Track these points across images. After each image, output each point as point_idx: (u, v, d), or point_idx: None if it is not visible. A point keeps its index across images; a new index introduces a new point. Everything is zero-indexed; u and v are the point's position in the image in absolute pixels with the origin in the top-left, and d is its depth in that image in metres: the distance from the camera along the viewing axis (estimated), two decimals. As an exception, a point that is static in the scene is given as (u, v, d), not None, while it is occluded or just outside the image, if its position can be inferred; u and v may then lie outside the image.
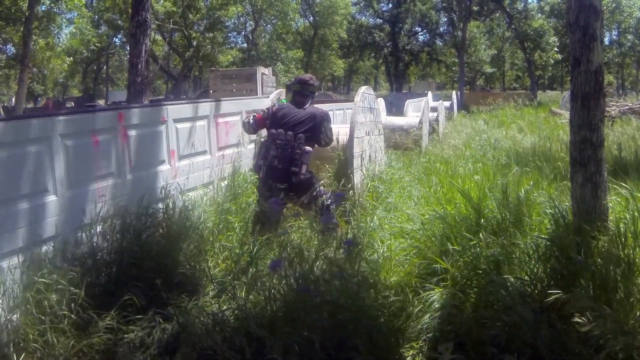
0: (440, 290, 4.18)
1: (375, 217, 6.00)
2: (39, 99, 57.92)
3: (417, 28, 58.46)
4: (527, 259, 4.38)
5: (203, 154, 7.45)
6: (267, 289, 4.14)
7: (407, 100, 20.32)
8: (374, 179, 7.68)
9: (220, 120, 7.83)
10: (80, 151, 5.29)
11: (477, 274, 4.31)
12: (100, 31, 43.63)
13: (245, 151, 8.38)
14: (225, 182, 7.47)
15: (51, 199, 4.94)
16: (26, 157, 4.73)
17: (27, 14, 25.42)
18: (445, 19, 55.74)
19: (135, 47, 11.37)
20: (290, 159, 6.07)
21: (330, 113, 12.93)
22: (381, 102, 14.08)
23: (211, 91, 15.62)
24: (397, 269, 4.81)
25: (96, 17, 42.30)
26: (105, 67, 51.28)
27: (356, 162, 7.35)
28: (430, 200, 6.31)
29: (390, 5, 57.46)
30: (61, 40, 42.55)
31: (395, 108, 21.77)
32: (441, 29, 57.17)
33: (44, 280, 4.12)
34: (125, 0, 31.71)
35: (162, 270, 4.83)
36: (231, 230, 5.97)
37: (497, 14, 52.18)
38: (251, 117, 6.55)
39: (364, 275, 4.27)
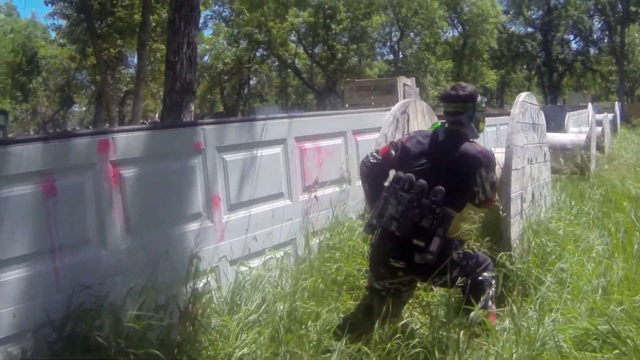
0: None
1: (538, 305, 3.67)
2: (185, 114, 58.53)
3: (569, 36, 53.84)
4: None
5: (276, 198, 4.85)
6: None
7: (568, 114, 17.44)
8: (539, 231, 5.00)
9: (307, 145, 5.20)
10: (15, 207, 3.09)
11: None
12: (233, 48, 41.43)
13: (352, 190, 5.58)
14: (317, 240, 5.01)
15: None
16: None
17: (140, 24, 22.34)
18: (600, 24, 50.65)
19: (173, 40, 7.50)
20: (416, 225, 3.59)
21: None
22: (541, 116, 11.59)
23: (346, 105, 13.53)
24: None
25: (235, 31, 40.70)
26: (247, 81, 49.83)
27: (514, 207, 4.83)
28: (620, 273, 3.97)
29: (541, 12, 53.23)
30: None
31: (553, 122, 18.76)
32: (594, 35, 52.11)
33: None
34: (264, 14, 30.30)
35: None
36: (313, 321, 3.63)
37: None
38: (372, 154, 4.08)
39: None
